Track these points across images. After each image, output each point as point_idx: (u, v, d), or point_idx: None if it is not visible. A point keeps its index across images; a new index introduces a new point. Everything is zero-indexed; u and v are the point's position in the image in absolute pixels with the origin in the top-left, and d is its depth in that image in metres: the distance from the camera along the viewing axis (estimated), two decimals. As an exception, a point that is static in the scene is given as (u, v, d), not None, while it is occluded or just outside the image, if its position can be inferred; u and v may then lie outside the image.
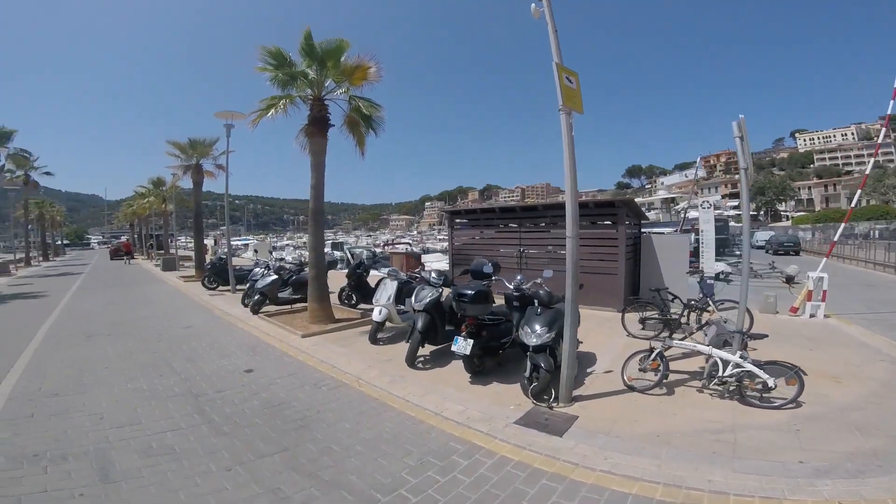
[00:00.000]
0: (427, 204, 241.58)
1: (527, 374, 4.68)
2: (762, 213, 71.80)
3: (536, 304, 5.14)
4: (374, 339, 7.23)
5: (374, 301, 7.59)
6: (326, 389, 5.26)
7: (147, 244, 37.74)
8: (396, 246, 55.36)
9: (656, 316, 7.29)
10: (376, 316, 7.31)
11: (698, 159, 35.07)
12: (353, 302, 10.42)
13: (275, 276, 10.10)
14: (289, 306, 10.42)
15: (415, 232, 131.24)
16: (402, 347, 6.26)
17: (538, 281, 5.67)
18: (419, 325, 6.12)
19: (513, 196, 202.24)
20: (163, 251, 29.58)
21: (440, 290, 6.58)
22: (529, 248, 10.96)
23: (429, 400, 4.77)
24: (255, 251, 41.08)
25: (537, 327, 4.81)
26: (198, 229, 18.92)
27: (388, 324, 7.47)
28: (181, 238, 32.34)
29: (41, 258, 36.93)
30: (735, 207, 39.47)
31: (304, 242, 60.57)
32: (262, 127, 8.55)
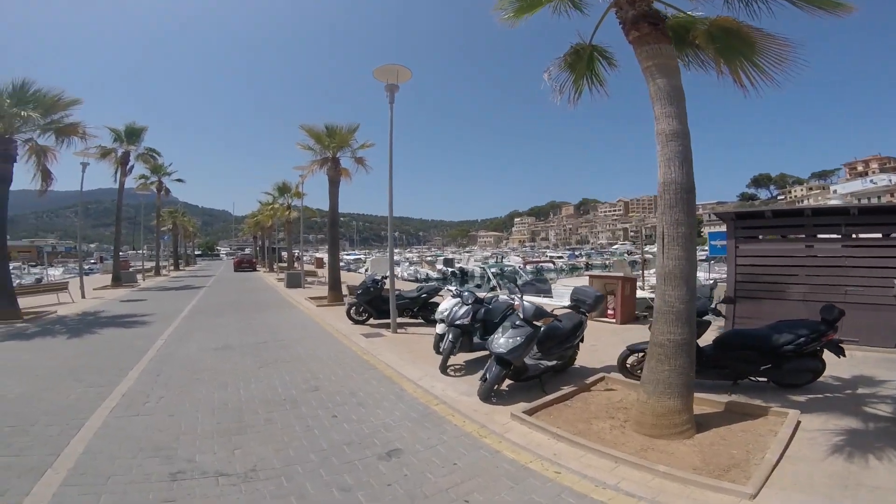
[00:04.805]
0: (516, 220, 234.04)
1: None
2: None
3: None
4: None
5: None
6: None
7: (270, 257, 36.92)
8: (538, 262, 49.02)
9: None
10: None
11: None
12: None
13: (530, 329, 4.95)
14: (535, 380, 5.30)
15: (507, 248, 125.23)
16: None
17: None
18: None
19: (615, 210, 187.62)
20: (286, 264, 27.22)
21: None
22: None
23: None
24: (418, 266, 37.83)
25: None
26: (333, 241, 14.98)
27: None
28: (295, 251, 30.12)
29: (172, 267, 37.59)
30: None
31: (427, 258, 56.71)
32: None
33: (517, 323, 5.00)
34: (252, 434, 3.99)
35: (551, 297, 14.62)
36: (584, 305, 5.86)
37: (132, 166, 21.40)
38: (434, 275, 40.68)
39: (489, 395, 4.82)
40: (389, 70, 9.13)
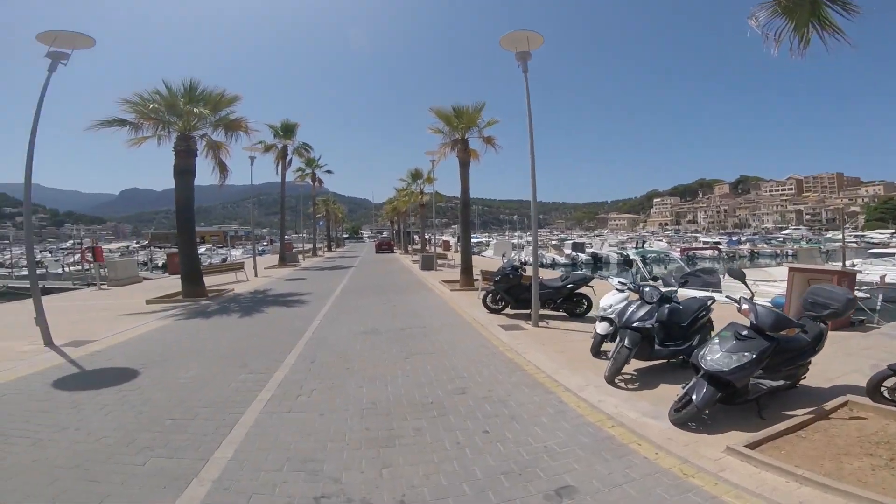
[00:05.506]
0: (656, 200, 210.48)
1: None
2: None
3: None
4: None
5: None
6: None
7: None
8: (695, 249, 42.90)
9: None
10: None
11: None
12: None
13: (765, 343, 3.67)
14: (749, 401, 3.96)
15: (644, 231, 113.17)
16: None
17: None
18: None
19: (784, 189, 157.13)
20: (418, 247, 28.63)
21: None
22: None
23: None
24: (543, 250, 36.58)
25: None
26: (465, 224, 14.67)
27: None
28: (426, 234, 31.29)
29: (326, 248, 42.61)
30: None
31: (553, 242, 53.96)
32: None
33: (743, 333, 3.78)
34: (400, 447, 3.54)
35: (720, 291, 12.21)
36: (829, 311, 4.32)
37: (290, 160, 24.34)
38: (561, 260, 38.37)
39: (688, 420, 3.73)
40: (518, 37, 7.91)
